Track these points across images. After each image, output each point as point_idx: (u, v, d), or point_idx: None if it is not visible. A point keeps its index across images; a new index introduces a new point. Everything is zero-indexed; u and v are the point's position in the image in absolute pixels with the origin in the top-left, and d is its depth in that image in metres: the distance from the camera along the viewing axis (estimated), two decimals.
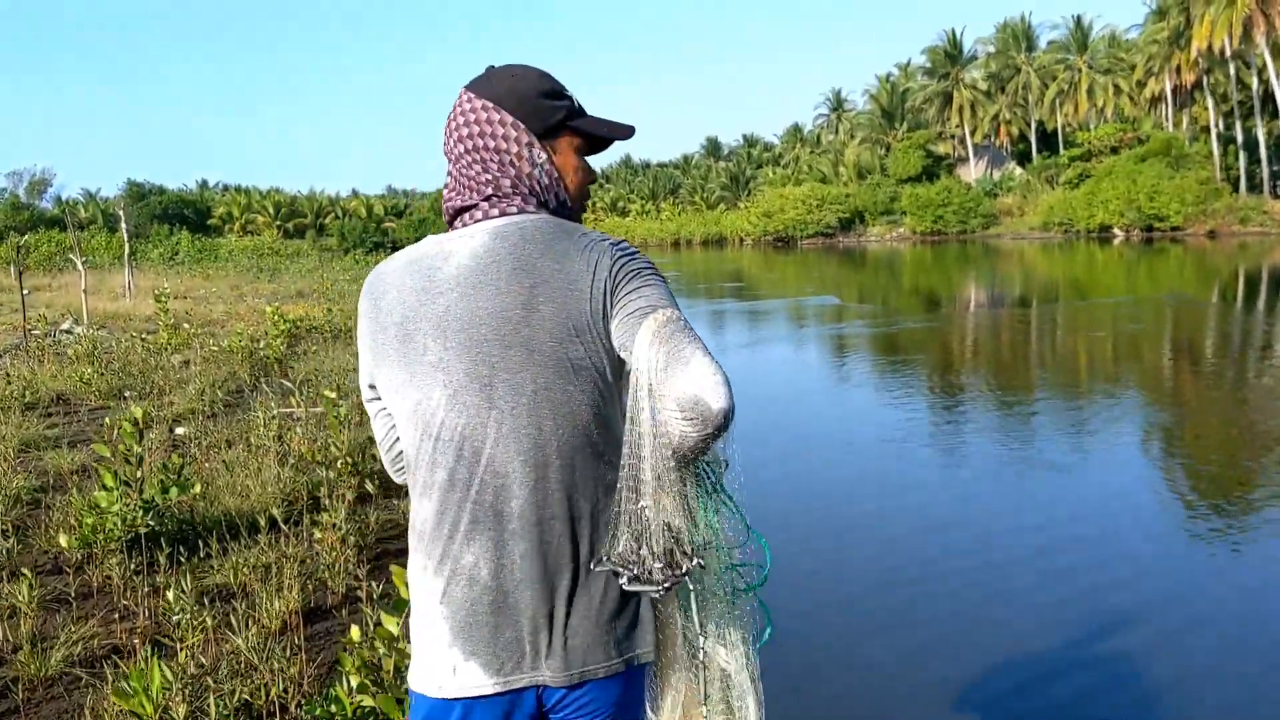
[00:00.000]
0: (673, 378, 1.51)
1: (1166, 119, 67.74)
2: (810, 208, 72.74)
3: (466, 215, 1.74)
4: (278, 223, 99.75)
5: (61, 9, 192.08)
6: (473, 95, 1.76)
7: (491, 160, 1.72)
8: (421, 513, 1.69)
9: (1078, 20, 73.64)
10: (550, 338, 1.62)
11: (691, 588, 1.66)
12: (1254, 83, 58.20)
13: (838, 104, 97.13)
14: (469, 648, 1.64)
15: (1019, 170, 75.42)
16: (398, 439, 1.79)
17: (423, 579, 1.69)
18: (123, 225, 25.46)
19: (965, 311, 23.40)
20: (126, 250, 23.97)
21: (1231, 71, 58.11)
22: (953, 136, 78.93)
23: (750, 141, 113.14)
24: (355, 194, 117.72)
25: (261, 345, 12.69)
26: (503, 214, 1.71)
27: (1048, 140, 75.98)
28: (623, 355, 1.63)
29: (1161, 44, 60.72)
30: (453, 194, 1.75)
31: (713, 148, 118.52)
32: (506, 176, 1.72)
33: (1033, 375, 13.86)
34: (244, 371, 11.59)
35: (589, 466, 1.65)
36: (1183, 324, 19.62)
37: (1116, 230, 57.79)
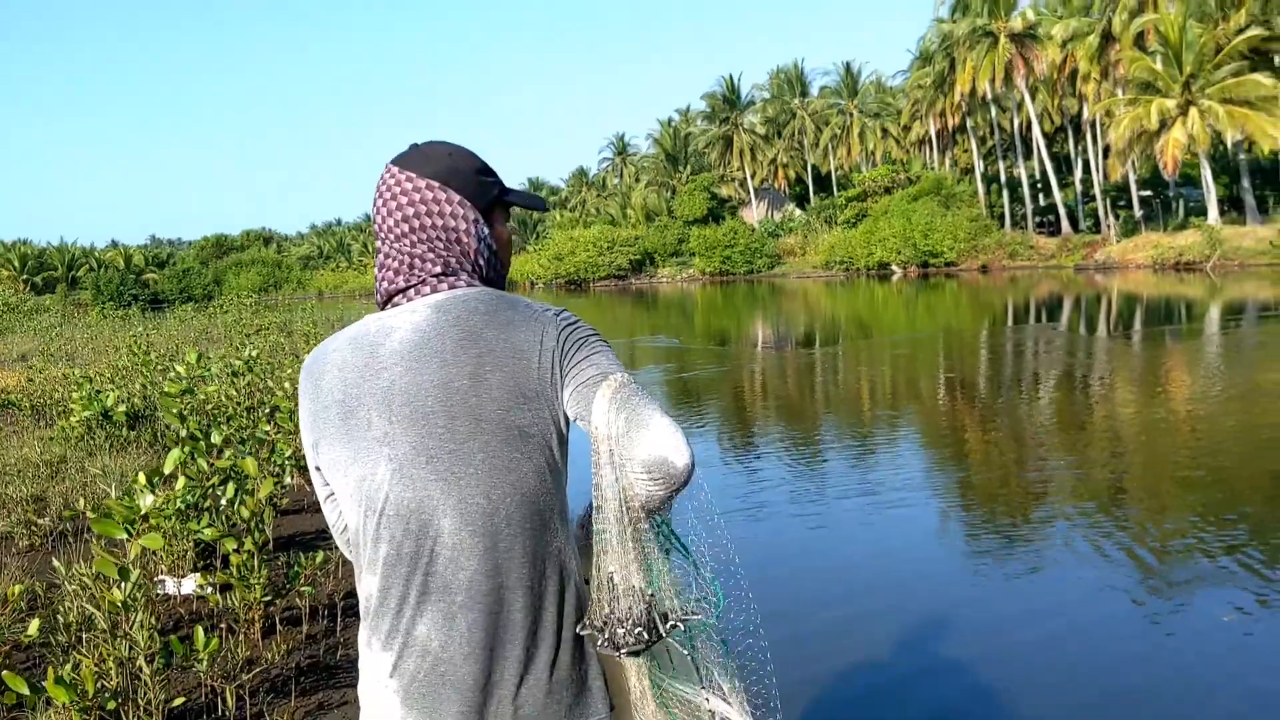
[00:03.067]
0: (635, 441, 1.52)
1: (932, 160, 70.82)
2: (601, 250, 72.59)
3: (411, 291, 1.71)
4: (24, 276, 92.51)
5: None
6: (412, 175, 1.74)
7: (439, 239, 1.72)
8: (367, 588, 1.68)
9: (847, 67, 76.59)
10: (498, 406, 1.61)
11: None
12: (1010, 124, 61.45)
13: (622, 148, 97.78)
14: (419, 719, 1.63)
15: (798, 211, 77.46)
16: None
17: (371, 655, 1.68)
18: None
19: (762, 349, 22.86)
20: None
21: (992, 114, 61.11)
22: (734, 179, 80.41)
23: (536, 185, 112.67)
24: (114, 244, 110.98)
25: None
26: (450, 288, 1.71)
27: (823, 182, 78.42)
28: (579, 424, 1.63)
29: (926, 89, 63.36)
30: (392, 273, 1.73)
31: None
32: (454, 255, 1.73)
33: (835, 415, 13.10)
34: None
35: (537, 535, 1.64)
36: (964, 358, 19.69)
37: (894, 267, 59.58)
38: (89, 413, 8.87)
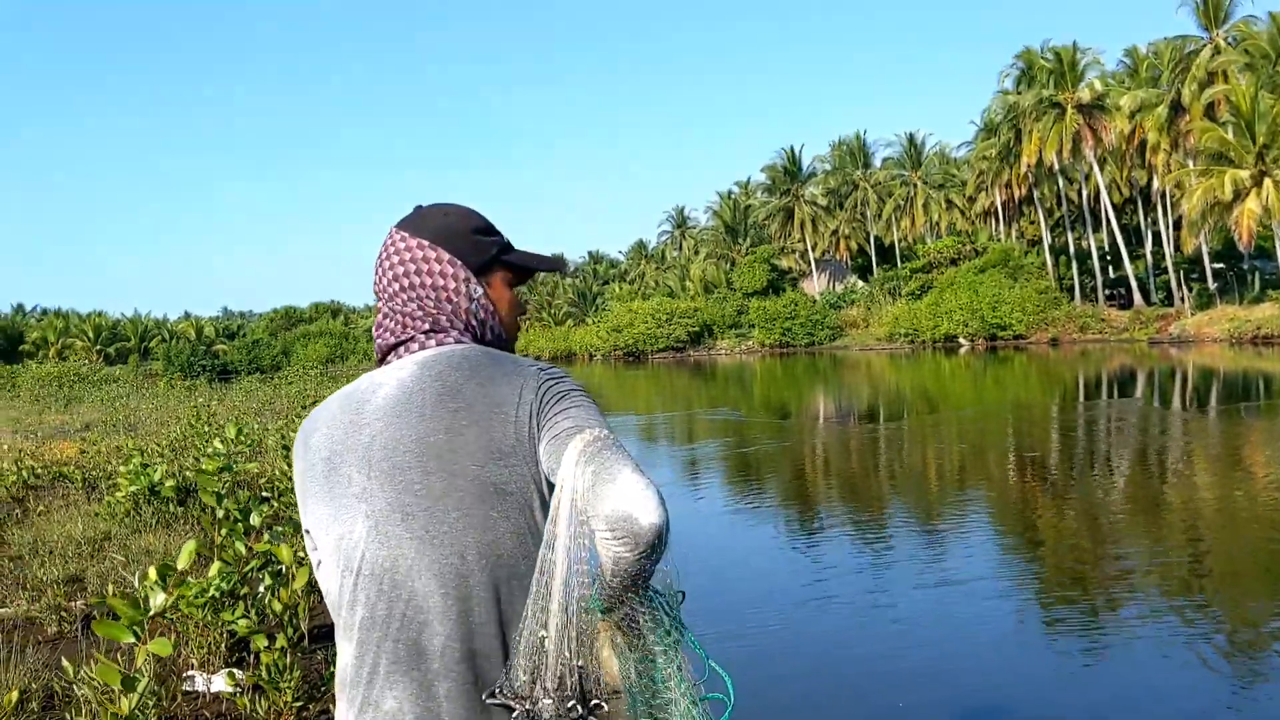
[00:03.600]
0: (600, 496, 1.41)
1: (998, 232, 69.98)
2: (659, 321, 72.44)
3: (402, 348, 1.71)
4: (98, 347, 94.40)
5: None
6: (406, 234, 1.76)
7: (428, 297, 1.72)
8: (344, 656, 1.61)
9: (910, 138, 76.12)
10: (472, 461, 1.56)
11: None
12: (1079, 196, 60.52)
13: (681, 220, 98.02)
14: None
15: (861, 283, 76.74)
16: None
17: None
18: None
19: (825, 424, 22.14)
20: None
21: (1060, 185, 60.32)
22: (794, 251, 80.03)
23: (595, 258, 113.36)
24: (187, 316, 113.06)
25: None
26: (439, 344, 1.70)
27: (886, 254, 77.69)
28: (551, 479, 1.53)
29: (991, 160, 62.81)
30: (386, 332, 1.74)
31: None
32: (443, 313, 1.72)
33: (902, 495, 12.40)
34: None
35: (515, 599, 1.54)
36: (1035, 434, 18.79)
37: (962, 340, 58.63)
38: (135, 487, 8.47)
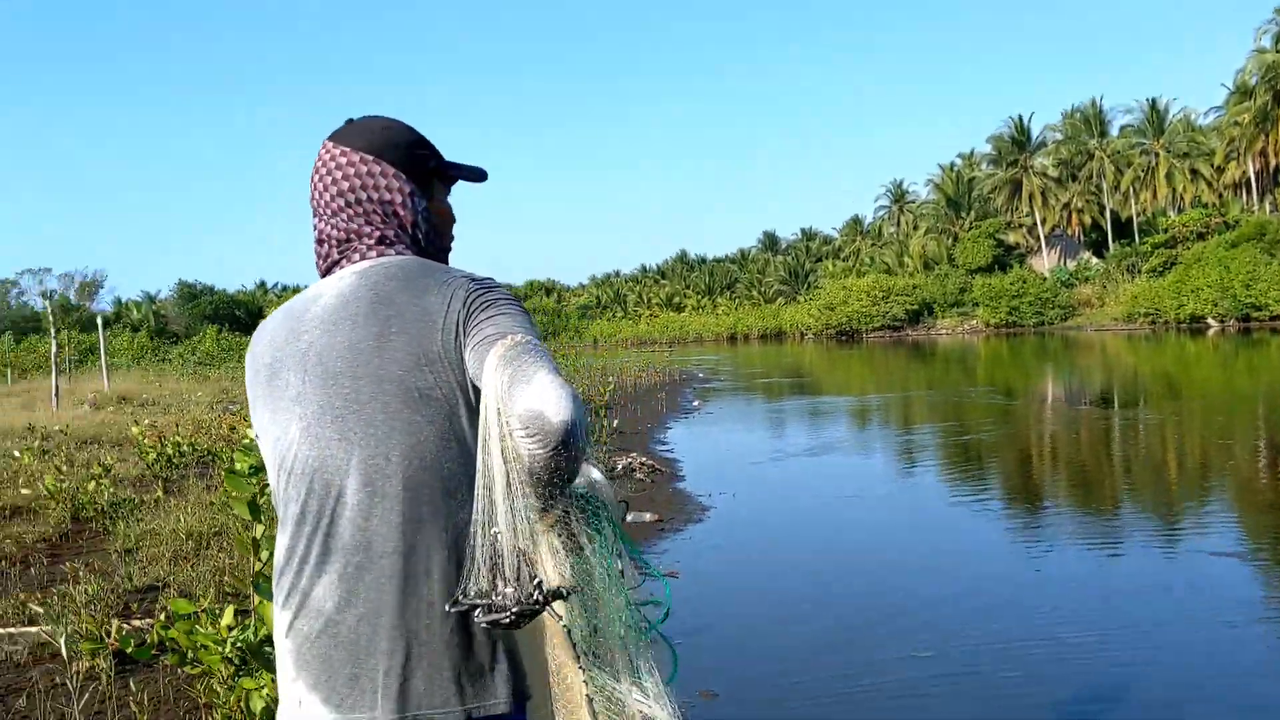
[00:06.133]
0: (514, 396, 1.46)
1: (1250, 204, 63.94)
2: (875, 299, 70.03)
3: (344, 261, 1.74)
4: None
5: (115, 122, 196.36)
6: (346, 149, 1.76)
7: (375, 212, 1.74)
8: (279, 547, 1.68)
9: (1152, 104, 70.50)
10: (399, 367, 1.60)
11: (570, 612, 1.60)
12: None
13: (899, 194, 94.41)
14: (310, 680, 1.60)
15: (1095, 259, 71.95)
16: None
17: (276, 613, 1.67)
18: (51, 325, 21.91)
19: (1059, 407, 19.86)
20: (53, 351, 20.05)
21: None
22: (1022, 225, 75.72)
23: (808, 235, 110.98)
24: None
25: (90, 488, 8.10)
26: (379, 256, 1.72)
27: (1123, 228, 72.42)
28: (477, 384, 1.58)
29: (1245, 126, 57.42)
30: (327, 247, 1.76)
31: (770, 242, 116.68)
32: (391, 227, 1.74)
33: (1149, 494, 10.42)
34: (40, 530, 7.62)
35: (438, 502, 1.60)
36: None
37: (1210, 320, 53.75)
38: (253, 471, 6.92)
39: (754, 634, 6.06)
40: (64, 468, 8.51)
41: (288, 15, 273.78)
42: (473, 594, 1.49)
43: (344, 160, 1.74)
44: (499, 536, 1.48)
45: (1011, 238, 75.19)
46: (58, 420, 14.47)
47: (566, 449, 1.44)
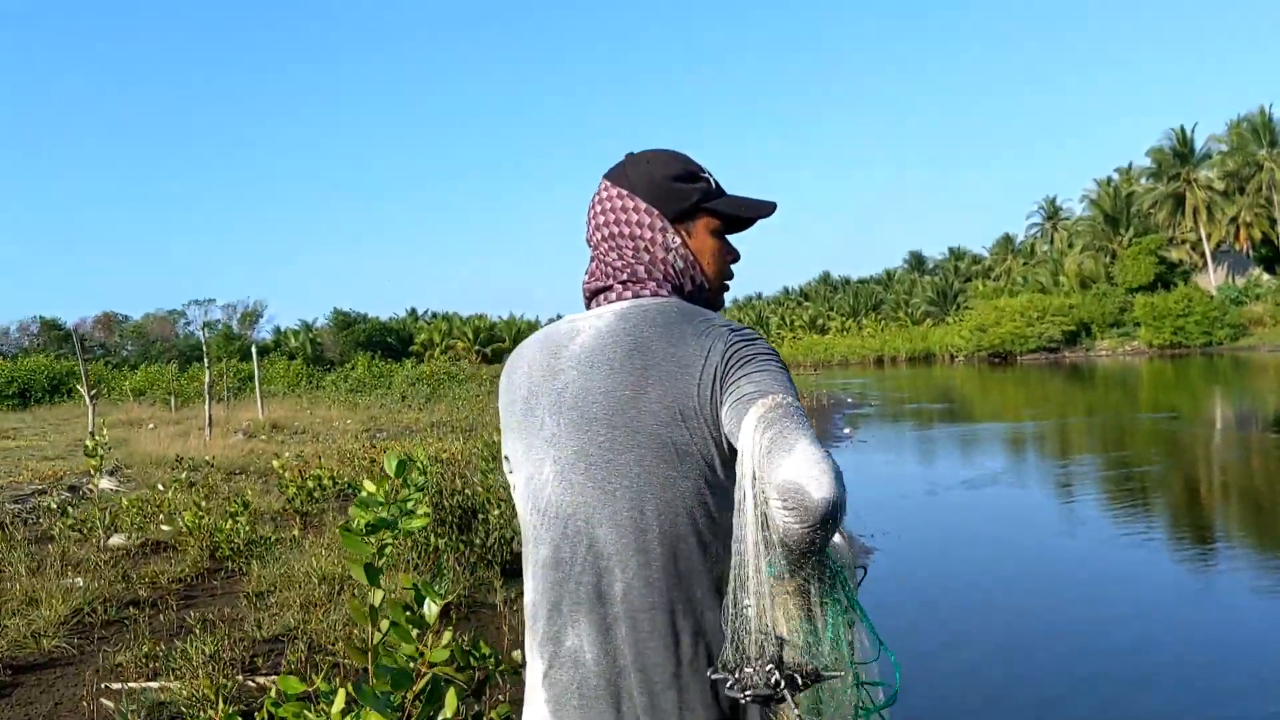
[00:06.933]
0: (774, 464, 1.40)
1: None
2: (1030, 320, 67.62)
3: (601, 297, 1.76)
4: (476, 347, 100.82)
5: (276, 157, 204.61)
6: (609, 184, 1.79)
7: (627, 247, 1.75)
8: (530, 591, 1.68)
9: None
10: (655, 420, 1.57)
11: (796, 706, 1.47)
12: None
13: (1053, 211, 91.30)
14: None
15: (1267, 276, 67.96)
16: None
17: (530, 656, 1.68)
18: (205, 355, 22.07)
19: (1237, 435, 18.38)
20: (207, 380, 20.10)
21: None
22: (1185, 241, 72.14)
23: (956, 254, 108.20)
24: (558, 318, 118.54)
25: (227, 527, 7.80)
26: (635, 296, 1.72)
27: None
28: (733, 442, 1.51)
29: None
30: (591, 278, 1.78)
31: (916, 261, 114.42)
32: (641, 263, 1.74)
33: None
34: (174, 569, 7.26)
35: (693, 557, 1.57)
36: None
37: None
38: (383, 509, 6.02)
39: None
40: (204, 502, 8.31)
41: (463, 41, 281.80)
42: (721, 665, 1.46)
43: (605, 196, 1.78)
44: (747, 609, 1.44)
45: (1174, 254, 71.78)
46: (209, 450, 14.63)
47: (824, 527, 1.38)
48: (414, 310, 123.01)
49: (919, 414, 27.85)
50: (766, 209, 1.82)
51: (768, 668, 1.41)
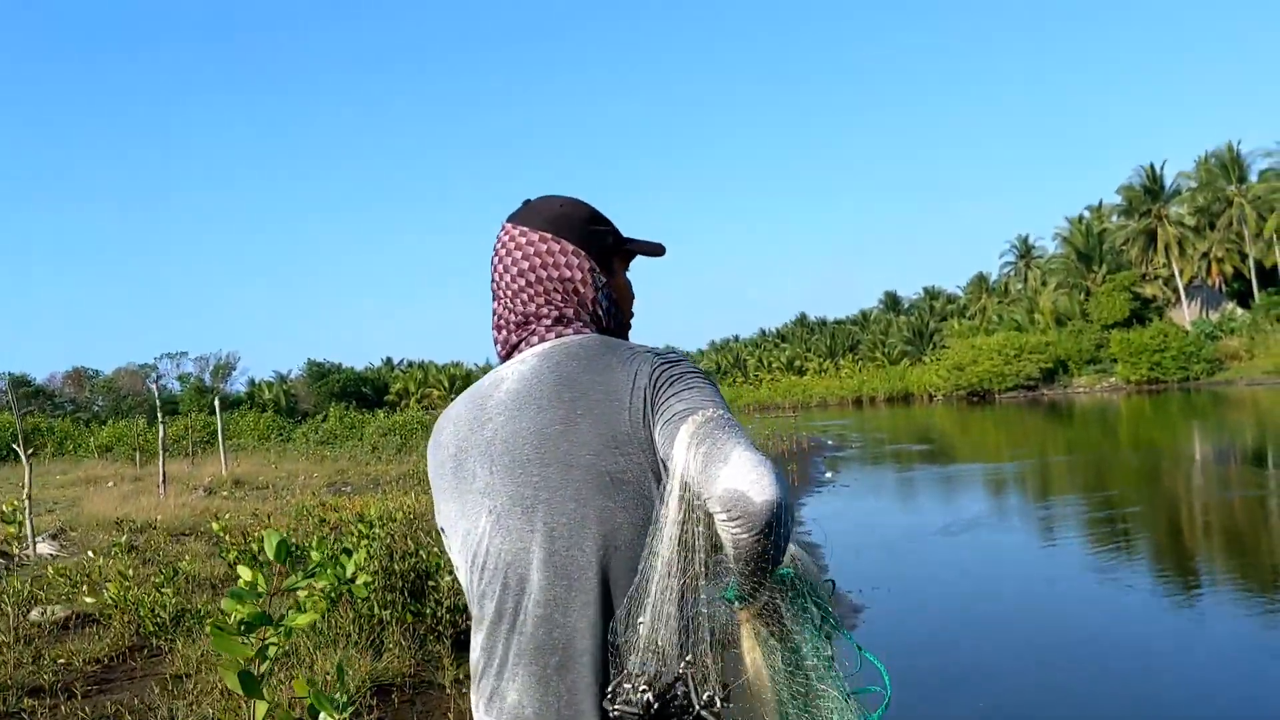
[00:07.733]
0: (711, 477, 1.36)
1: None
2: (1007, 358, 67.41)
3: (523, 344, 1.71)
4: (452, 396, 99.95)
5: (244, 213, 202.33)
6: (525, 229, 1.74)
7: (555, 291, 1.71)
8: (474, 648, 1.63)
9: None
10: (589, 450, 1.52)
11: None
12: None
13: (1026, 250, 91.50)
14: None
15: (1240, 310, 68.12)
16: None
17: (476, 715, 1.62)
18: (157, 410, 21.06)
19: (1224, 477, 17.92)
20: (161, 433, 18.56)
21: None
22: (1158, 277, 72.33)
23: (931, 294, 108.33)
24: None
25: (149, 600, 6.99)
26: (558, 336, 1.68)
27: (1267, 276, 68.57)
28: (668, 464, 1.47)
29: None
30: (506, 330, 1.73)
31: (891, 301, 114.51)
32: (570, 305, 1.71)
33: None
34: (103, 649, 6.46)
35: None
36: None
37: None
38: (323, 583, 4.70)
39: None
40: (133, 570, 7.55)
41: (427, 97, 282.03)
42: (612, 687, 1.41)
43: (523, 240, 1.73)
44: (640, 626, 1.40)
45: (1148, 290, 71.94)
46: (162, 509, 13.84)
47: (771, 532, 1.33)
48: (389, 359, 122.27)
49: (900, 455, 27.35)
50: (659, 249, 1.85)
51: (641, 688, 1.36)
